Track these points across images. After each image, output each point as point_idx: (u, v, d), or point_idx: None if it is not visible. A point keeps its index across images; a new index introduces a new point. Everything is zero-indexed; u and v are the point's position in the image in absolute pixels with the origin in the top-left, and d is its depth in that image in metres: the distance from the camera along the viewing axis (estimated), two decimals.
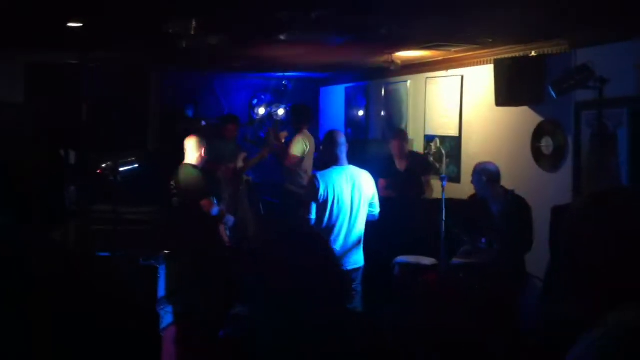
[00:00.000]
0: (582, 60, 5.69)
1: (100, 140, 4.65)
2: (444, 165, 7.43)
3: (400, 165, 7.54)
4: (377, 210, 5.48)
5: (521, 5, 4.80)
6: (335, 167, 5.31)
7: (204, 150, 6.30)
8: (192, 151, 6.29)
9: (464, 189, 7.48)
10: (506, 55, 6.68)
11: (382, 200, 5.63)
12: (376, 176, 5.75)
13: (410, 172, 7.46)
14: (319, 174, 5.31)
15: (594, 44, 5.75)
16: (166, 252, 5.47)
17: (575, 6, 4.80)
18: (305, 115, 8.42)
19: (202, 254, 6.17)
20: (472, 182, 5.99)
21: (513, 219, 5.73)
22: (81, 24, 5.58)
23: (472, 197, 6.16)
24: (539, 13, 5.09)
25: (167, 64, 8.50)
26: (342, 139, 5.47)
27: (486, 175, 5.84)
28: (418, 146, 8.52)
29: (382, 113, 9.69)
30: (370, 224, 5.48)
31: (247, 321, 6.16)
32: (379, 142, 9.25)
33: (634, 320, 1.41)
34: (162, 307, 5.27)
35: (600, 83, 5.49)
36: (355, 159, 5.78)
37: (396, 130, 8.26)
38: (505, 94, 6.43)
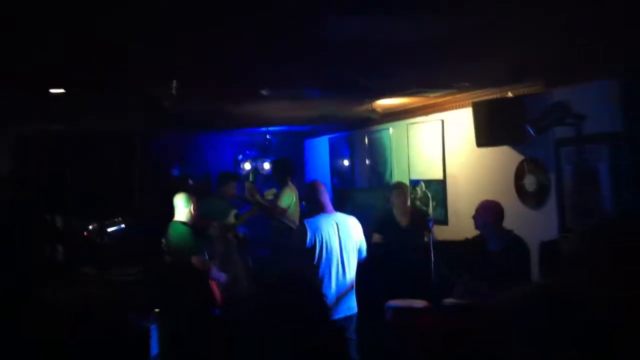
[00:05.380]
0: (559, 99, 5.81)
1: (85, 203, 4.68)
2: (430, 209, 7.47)
3: (402, 220, 7.33)
4: (364, 253, 5.52)
5: (495, 51, 4.89)
6: (322, 214, 5.35)
7: (193, 207, 6.33)
8: (182, 208, 6.31)
9: (452, 230, 7.52)
10: (484, 98, 6.78)
11: (373, 246, 5.65)
12: (370, 228, 5.67)
13: (413, 229, 7.16)
14: (307, 221, 5.35)
15: (568, 83, 5.85)
16: (157, 310, 5.45)
17: (547, 49, 4.89)
18: (288, 168, 8.46)
19: (194, 311, 6.15)
20: (475, 220, 5.81)
21: (512, 258, 5.62)
22: (63, 90, 5.64)
23: (474, 238, 6.06)
24: (512, 57, 5.18)
25: (152, 126, 8.57)
26: (322, 187, 5.54)
27: (492, 213, 5.75)
28: None
29: (367, 161, 9.77)
30: (363, 268, 5.50)
31: None
32: (370, 190, 9.27)
33: None
34: None
35: (577, 120, 5.60)
36: (346, 209, 5.81)
37: (396, 185, 7.80)
38: (486, 135, 6.50)
